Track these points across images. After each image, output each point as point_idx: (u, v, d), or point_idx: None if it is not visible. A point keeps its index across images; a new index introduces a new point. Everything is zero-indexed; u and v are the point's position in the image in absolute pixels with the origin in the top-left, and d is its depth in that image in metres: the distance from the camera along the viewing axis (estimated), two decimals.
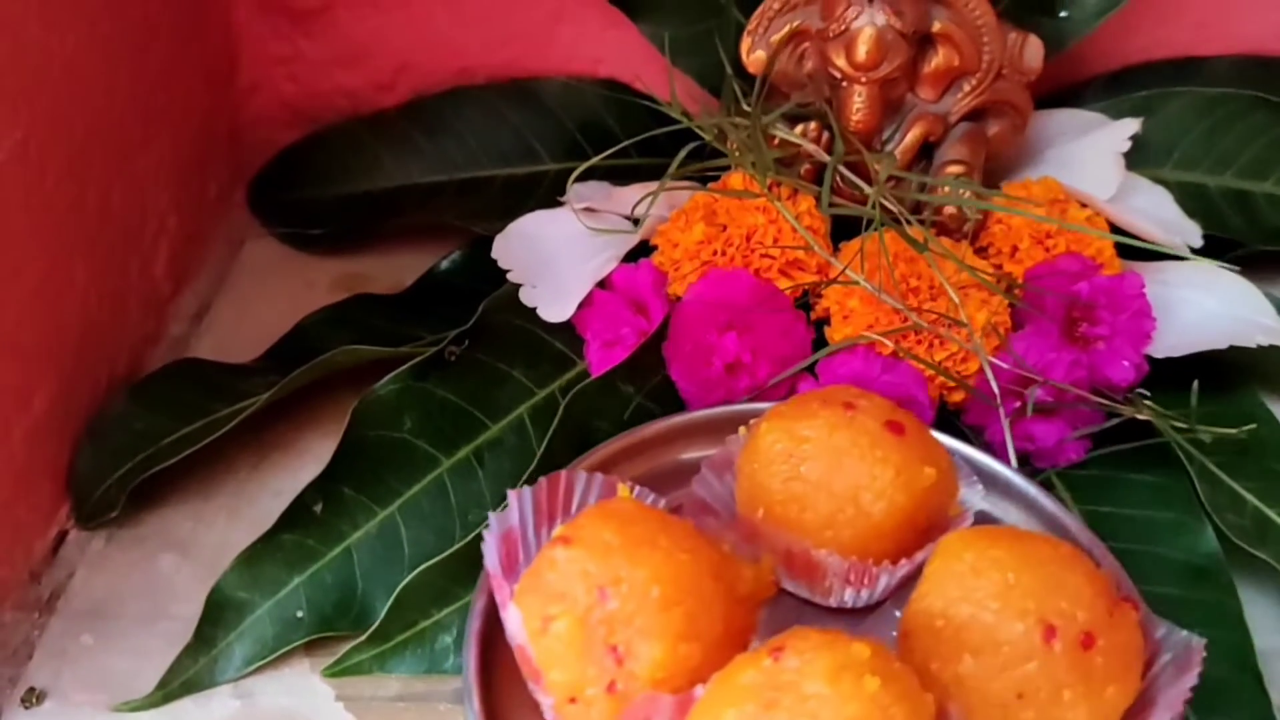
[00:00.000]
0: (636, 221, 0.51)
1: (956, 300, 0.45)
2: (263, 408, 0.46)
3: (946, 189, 0.49)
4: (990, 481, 0.42)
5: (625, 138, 0.54)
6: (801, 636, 0.31)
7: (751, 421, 0.41)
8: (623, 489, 0.38)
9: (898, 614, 0.38)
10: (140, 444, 0.46)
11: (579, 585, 0.33)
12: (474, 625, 0.36)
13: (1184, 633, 0.36)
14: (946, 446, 0.40)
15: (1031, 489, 0.42)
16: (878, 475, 0.37)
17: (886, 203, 0.45)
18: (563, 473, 0.39)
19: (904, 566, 0.38)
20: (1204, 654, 0.35)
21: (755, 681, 0.30)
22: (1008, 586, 0.33)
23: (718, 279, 0.46)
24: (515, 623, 0.33)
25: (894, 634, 0.38)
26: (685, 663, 0.33)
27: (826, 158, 0.47)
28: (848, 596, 0.39)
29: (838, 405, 0.39)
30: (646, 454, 0.43)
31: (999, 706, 0.33)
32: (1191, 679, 0.34)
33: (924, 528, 0.38)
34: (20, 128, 0.41)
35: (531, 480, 0.41)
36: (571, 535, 0.34)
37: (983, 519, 0.41)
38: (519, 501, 0.37)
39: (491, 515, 0.37)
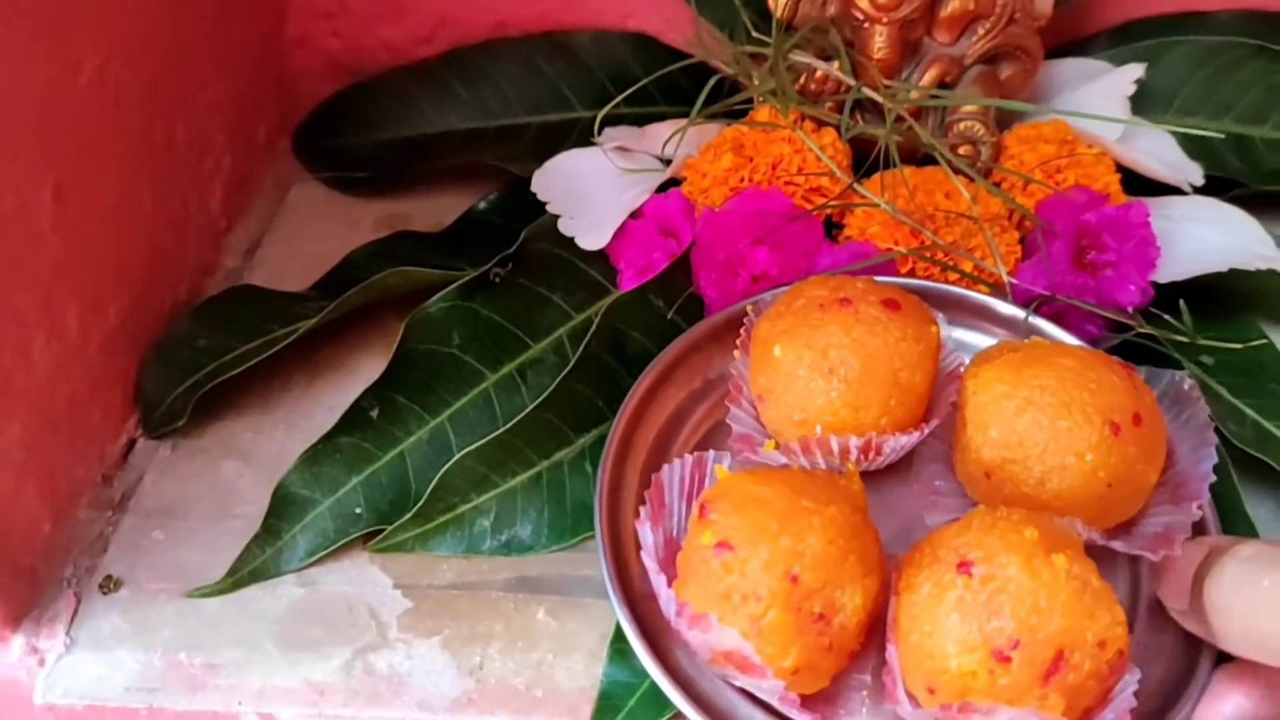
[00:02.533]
0: (667, 163, 0.54)
1: (972, 205, 0.47)
2: (316, 329, 0.49)
3: (962, 125, 0.52)
4: (956, 307, 0.47)
5: (653, 87, 0.57)
6: (974, 543, 0.34)
7: (739, 341, 0.44)
8: (720, 470, 0.39)
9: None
10: (203, 359, 0.48)
11: (768, 578, 0.34)
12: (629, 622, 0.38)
13: (1162, 371, 0.43)
14: (913, 290, 0.44)
15: (989, 300, 0.47)
16: (905, 352, 0.40)
17: (905, 119, 0.48)
18: (653, 476, 0.40)
19: (943, 409, 0.42)
20: (1193, 384, 0.41)
21: (964, 596, 0.33)
22: (1068, 405, 0.38)
23: (753, 195, 0.48)
24: (727, 635, 0.34)
25: (934, 467, 0.43)
26: (871, 593, 0.36)
27: (850, 80, 0.50)
28: (896, 457, 0.43)
29: (834, 305, 0.41)
30: (687, 364, 0.46)
31: (1096, 499, 0.37)
32: (1202, 410, 0.41)
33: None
34: (100, 54, 0.44)
35: (566, 382, 0.45)
36: (729, 536, 0.35)
37: (960, 344, 0.46)
38: (643, 528, 0.39)
39: (645, 555, 0.38)
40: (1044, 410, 0.38)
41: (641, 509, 0.39)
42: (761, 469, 0.39)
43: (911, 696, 0.35)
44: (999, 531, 0.34)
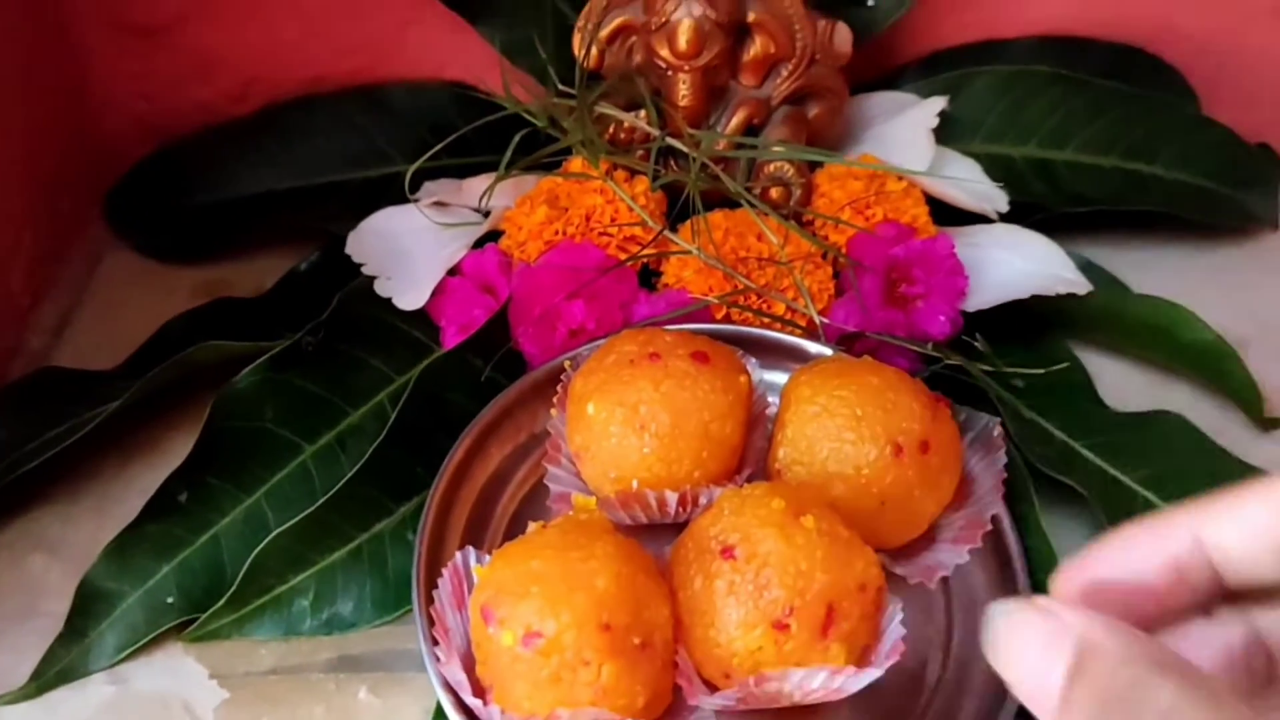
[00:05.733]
0: (487, 215, 0.54)
1: (781, 249, 0.48)
2: (126, 409, 0.47)
3: (772, 167, 0.52)
4: (770, 351, 0.48)
5: (474, 137, 0.57)
6: (730, 528, 0.35)
7: (556, 399, 0.44)
8: (478, 570, 0.38)
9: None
10: (2, 451, 0.46)
11: (585, 637, 0.33)
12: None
13: (980, 415, 0.44)
14: (726, 336, 0.45)
15: (801, 341, 0.48)
16: (715, 404, 0.40)
17: (711, 167, 0.49)
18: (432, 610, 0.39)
19: (757, 458, 0.43)
20: (1000, 431, 0.43)
21: (734, 580, 0.35)
22: (858, 420, 0.39)
23: (567, 249, 0.48)
24: (581, 715, 0.34)
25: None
26: (669, 597, 0.36)
27: (654, 131, 0.50)
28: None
29: (644, 360, 0.41)
30: (512, 421, 0.46)
31: (869, 514, 0.39)
32: (1001, 458, 0.42)
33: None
34: None
35: (382, 450, 0.45)
36: (529, 623, 0.34)
37: (773, 387, 0.45)
38: (451, 669, 0.37)
39: (436, 650, 0.37)
40: (835, 419, 0.40)
41: (437, 650, 0.37)
42: (506, 548, 0.37)
43: (710, 684, 0.36)
44: (749, 509, 0.36)
